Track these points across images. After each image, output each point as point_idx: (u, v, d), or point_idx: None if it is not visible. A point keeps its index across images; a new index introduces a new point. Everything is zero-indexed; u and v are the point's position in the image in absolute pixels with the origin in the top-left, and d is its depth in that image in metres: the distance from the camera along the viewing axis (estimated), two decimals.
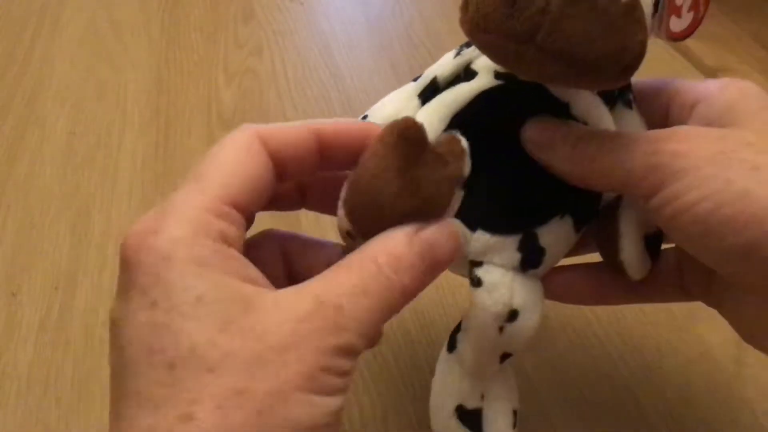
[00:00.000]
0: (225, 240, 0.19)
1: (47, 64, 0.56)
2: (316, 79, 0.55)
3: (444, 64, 0.26)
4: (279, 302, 0.18)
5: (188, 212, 0.18)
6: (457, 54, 0.26)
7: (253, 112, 0.51)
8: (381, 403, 0.33)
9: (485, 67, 0.25)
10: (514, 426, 0.28)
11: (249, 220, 0.21)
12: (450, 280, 0.35)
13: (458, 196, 0.22)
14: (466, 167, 0.22)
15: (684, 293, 0.27)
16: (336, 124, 0.22)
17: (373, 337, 0.20)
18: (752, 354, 0.35)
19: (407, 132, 0.20)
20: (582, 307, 0.38)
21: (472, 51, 0.25)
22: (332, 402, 0.18)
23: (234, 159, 0.20)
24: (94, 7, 0.63)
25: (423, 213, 0.21)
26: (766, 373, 0.35)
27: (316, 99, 0.53)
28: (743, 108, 0.22)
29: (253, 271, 0.19)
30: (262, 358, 0.17)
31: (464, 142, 0.22)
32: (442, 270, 0.21)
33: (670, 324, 0.37)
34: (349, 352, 0.18)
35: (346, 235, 0.22)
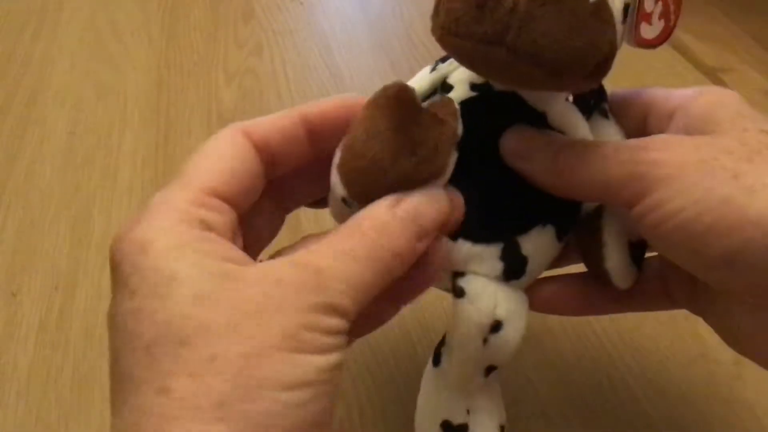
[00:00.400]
0: (206, 226, 0.19)
1: (47, 64, 0.56)
2: (316, 79, 0.55)
3: (421, 79, 0.26)
4: (256, 272, 0.18)
5: (168, 205, 0.19)
6: (433, 69, 0.26)
7: (253, 112, 0.51)
8: (381, 404, 0.33)
9: (461, 80, 0.25)
10: None
11: (240, 209, 0.21)
12: None
13: (453, 156, 0.21)
14: (460, 127, 0.22)
15: (669, 301, 0.27)
16: (320, 104, 0.22)
17: (362, 301, 0.19)
18: None
19: (400, 93, 0.20)
20: None
21: (447, 65, 0.26)
22: (320, 360, 0.17)
23: (214, 152, 0.21)
24: (94, 7, 0.63)
25: (421, 173, 0.20)
26: (766, 373, 0.35)
27: (316, 99, 0.53)
28: (721, 115, 0.22)
29: (236, 253, 0.19)
30: (236, 324, 0.17)
31: (456, 103, 0.22)
32: (430, 236, 0.21)
33: (670, 324, 0.37)
34: (335, 310, 0.18)
35: (341, 202, 0.21)
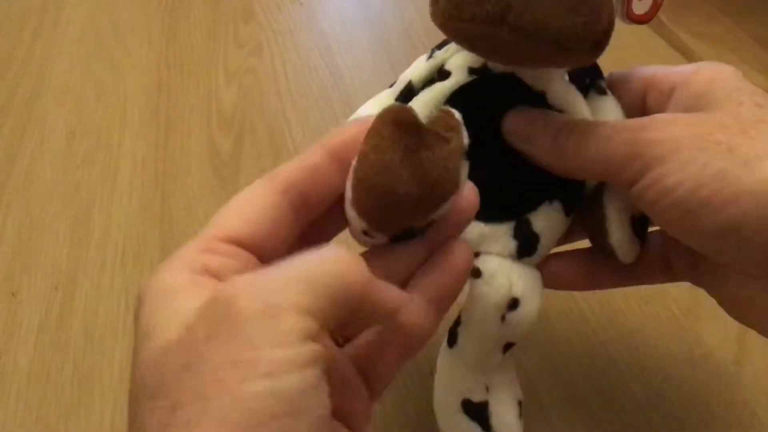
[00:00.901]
0: (207, 271, 0.19)
1: (47, 64, 0.56)
2: (316, 79, 0.55)
3: (417, 68, 0.26)
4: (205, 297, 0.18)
5: (178, 254, 0.19)
6: (429, 57, 0.26)
7: (253, 112, 0.51)
8: (381, 404, 0.33)
9: (458, 66, 0.25)
10: (520, 416, 0.29)
11: (265, 253, 0.20)
12: None
13: (465, 166, 0.21)
14: (466, 137, 0.22)
15: (671, 274, 0.27)
16: (339, 132, 0.21)
17: (331, 298, 0.17)
18: (752, 354, 0.36)
19: (400, 118, 0.20)
20: (582, 307, 0.38)
21: (443, 52, 0.26)
22: (287, 379, 0.15)
23: (237, 203, 0.21)
24: (94, 7, 0.63)
25: (436, 196, 0.20)
26: (766, 373, 0.35)
27: (316, 99, 0.53)
28: (717, 91, 0.23)
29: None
30: (187, 364, 0.16)
31: (457, 114, 0.22)
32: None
33: (670, 324, 0.37)
34: (283, 310, 0.16)
35: (363, 234, 0.21)
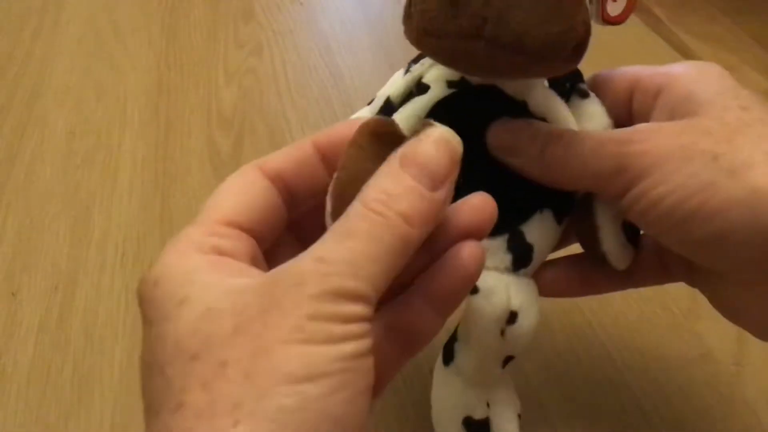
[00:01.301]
0: (220, 251, 0.19)
1: (47, 64, 0.56)
2: (316, 79, 0.55)
3: (395, 83, 0.26)
4: (260, 280, 0.18)
5: (182, 240, 0.19)
6: (407, 71, 0.26)
7: (253, 112, 0.51)
8: (381, 404, 0.33)
9: (436, 79, 0.25)
10: (518, 429, 0.28)
11: (260, 240, 0.21)
12: None
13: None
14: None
15: (667, 275, 0.27)
16: (329, 130, 0.22)
17: (378, 278, 0.17)
18: (752, 354, 0.36)
19: (380, 129, 0.19)
20: (582, 307, 0.38)
21: (420, 66, 0.26)
22: (332, 349, 0.16)
23: (228, 189, 0.21)
24: (94, 7, 0.63)
25: None
26: (766, 373, 0.35)
27: (316, 99, 0.53)
28: (702, 95, 0.23)
29: (249, 271, 0.19)
30: (242, 328, 0.16)
31: (434, 102, 0.22)
32: (447, 181, 0.19)
33: (670, 324, 0.37)
34: (346, 295, 0.17)
35: None
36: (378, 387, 0.22)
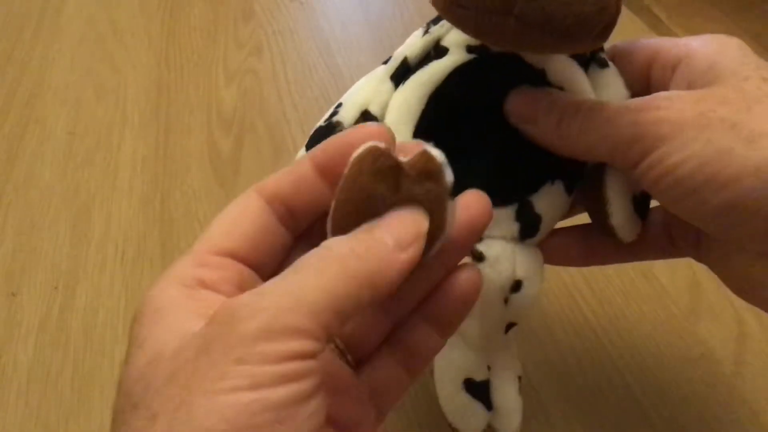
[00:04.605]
0: (202, 283, 0.19)
1: (47, 64, 0.56)
2: (316, 79, 0.55)
3: (413, 44, 0.26)
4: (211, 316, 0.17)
5: (170, 269, 0.19)
6: (425, 32, 0.26)
7: (253, 112, 0.51)
8: None
9: (456, 43, 0.24)
10: (519, 391, 0.29)
11: (256, 264, 0.20)
12: None
13: (451, 207, 0.20)
14: (450, 178, 0.19)
15: (673, 249, 0.27)
16: (324, 145, 0.21)
17: (329, 314, 0.16)
18: (752, 354, 0.36)
19: (377, 160, 0.18)
20: (582, 307, 0.38)
21: (440, 28, 0.25)
22: (264, 396, 0.15)
23: (225, 215, 0.20)
24: (94, 7, 0.63)
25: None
26: (766, 373, 0.35)
27: (316, 99, 0.53)
28: (723, 65, 0.22)
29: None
30: (174, 376, 0.16)
31: (439, 156, 0.19)
32: (411, 248, 0.18)
33: (670, 324, 0.37)
34: (283, 331, 0.16)
35: None
36: (384, 409, 0.22)
